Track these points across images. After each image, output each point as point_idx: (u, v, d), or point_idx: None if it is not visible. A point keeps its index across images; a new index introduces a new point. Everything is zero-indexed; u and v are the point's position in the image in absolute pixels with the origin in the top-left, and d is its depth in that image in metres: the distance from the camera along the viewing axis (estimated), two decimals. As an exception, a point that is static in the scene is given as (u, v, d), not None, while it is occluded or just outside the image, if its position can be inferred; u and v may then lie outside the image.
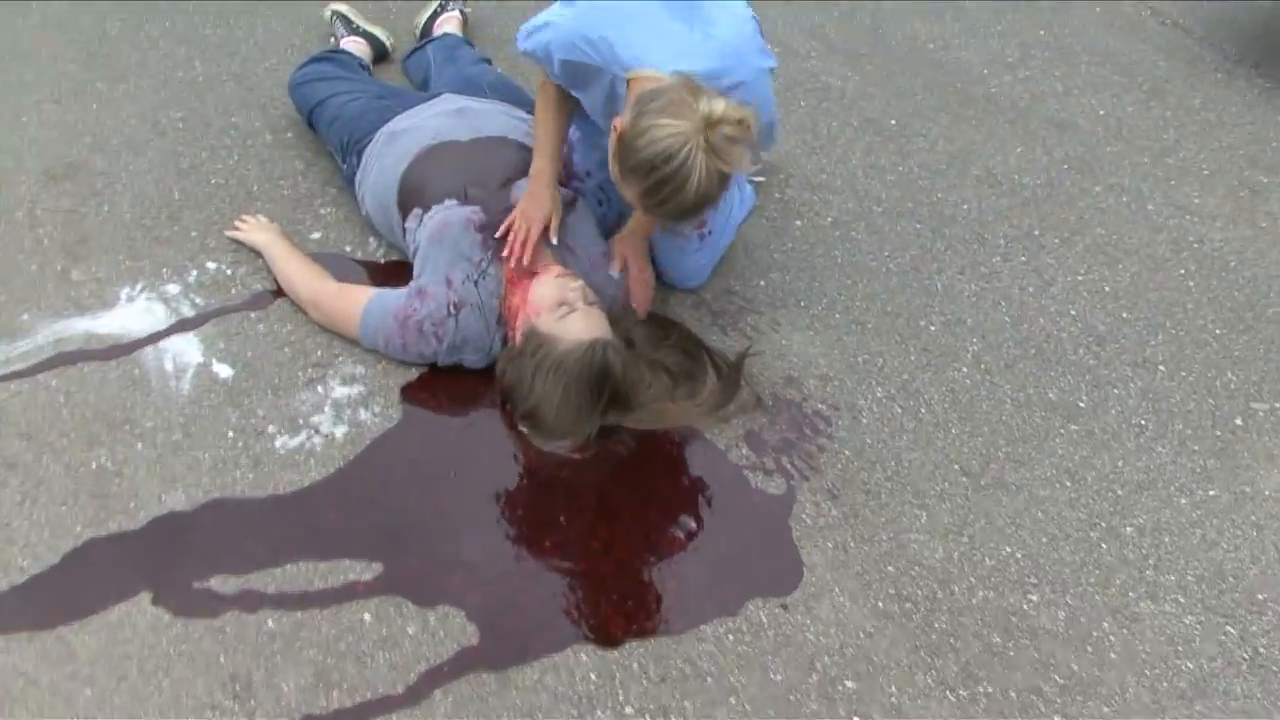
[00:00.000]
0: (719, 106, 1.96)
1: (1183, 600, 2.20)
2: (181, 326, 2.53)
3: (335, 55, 3.10)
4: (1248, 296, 2.91)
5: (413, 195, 2.56)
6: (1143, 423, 2.54)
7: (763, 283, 2.79)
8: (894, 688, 2.00)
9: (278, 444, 2.29)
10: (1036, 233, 3.06)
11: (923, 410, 2.51)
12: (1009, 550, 2.25)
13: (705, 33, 2.24)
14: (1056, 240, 3.04)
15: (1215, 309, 2.87)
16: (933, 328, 2.73)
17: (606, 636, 2.04)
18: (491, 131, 2.65)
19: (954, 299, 2.81)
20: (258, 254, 2.69)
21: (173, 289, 2.60)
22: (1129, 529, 2.30)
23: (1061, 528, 2.29)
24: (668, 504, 2.27)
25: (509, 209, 2.48)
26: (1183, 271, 2.98)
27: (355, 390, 2.41)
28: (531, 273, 2.44)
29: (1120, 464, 2.44)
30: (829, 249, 2.91)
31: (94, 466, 2.21)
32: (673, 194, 2.00)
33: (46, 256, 2.64)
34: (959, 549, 2.23)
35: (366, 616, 2.02)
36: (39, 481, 2.17)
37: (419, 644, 1.98)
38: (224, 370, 2.43)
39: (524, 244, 2.42)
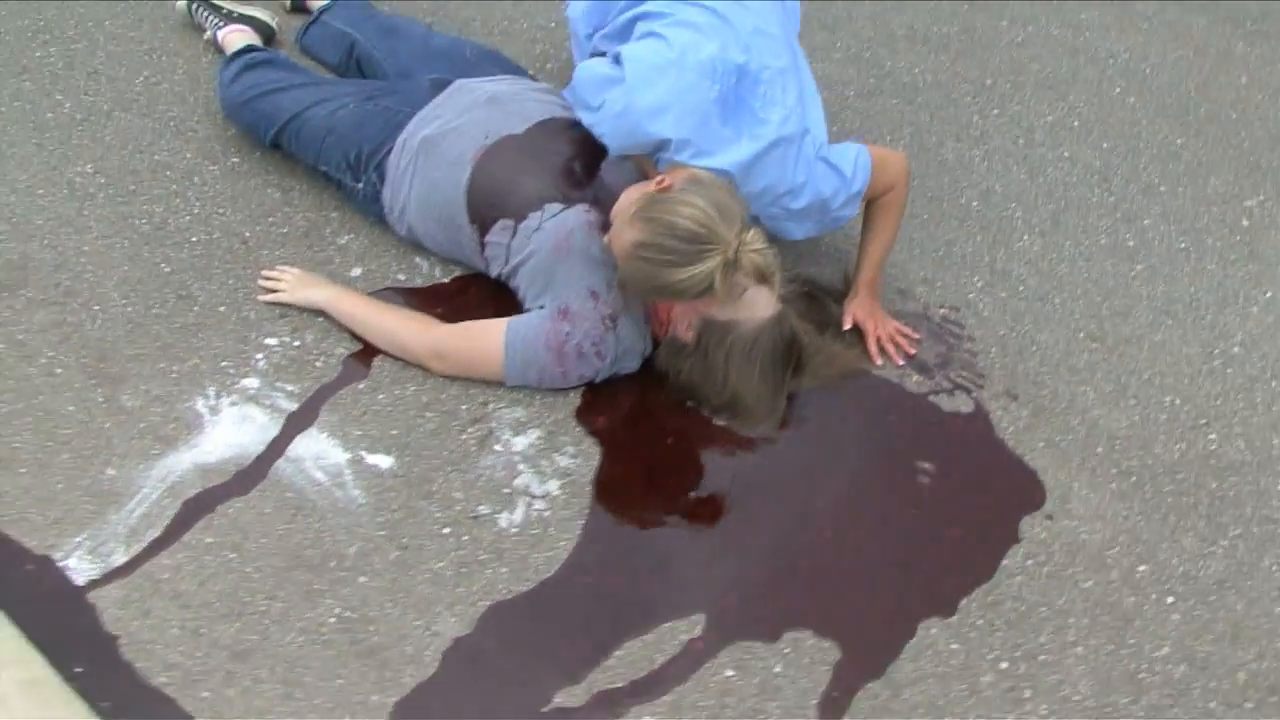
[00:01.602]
0: (750, 240, 2.06)
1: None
2: (296, 425, 2.20)
3: (269, 56, 2.66)
4: (1176, 99, 3.22)
5: (490, 205, 2.31)
6: (1183, 245, 2.81)
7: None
8: (1174, 560, 2.19)
9: (503, 524, 2.09)
10: (989, 82, 3.20)
11: (1021, 287, 2.65)
12: (1169, 399, 2.46)
13: (753, 134, 2.23)
14: (1008, 85, 3.20)
15: (1163, 119, 3.16)
16: (974, 203, 2.84)
17: (942, 605, 2.07)
18: (537, 115, 2.41)
19: (970, 168, 2.93)
20: (314, 312, 2.34)
21: (251, 384, 2.24)
22: (1236, 349, 2.58)
23: (1190, 364, 2.53)
24: (895, 454, 2.29)
25: (614, 196, 2.30)
26: (1118, 90, 3.24)
27: (534, 437, 2.22)
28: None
29: (1192, 289, 2.70)
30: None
31: (334, 622, 1.93)
32: (663, 267, 2.04)
33: (75, 390, 2.18)
34: (1136, 412, 2.42)
35: (729, 673, 1.94)
36: (290, 661, 1.87)
37: (794, 681, 1.94)
38: (383, 460, 2.15)
39: None
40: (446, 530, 2.06)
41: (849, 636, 2.00)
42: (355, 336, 2.33)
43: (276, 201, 2.57)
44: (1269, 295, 2.69)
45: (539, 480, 2.15)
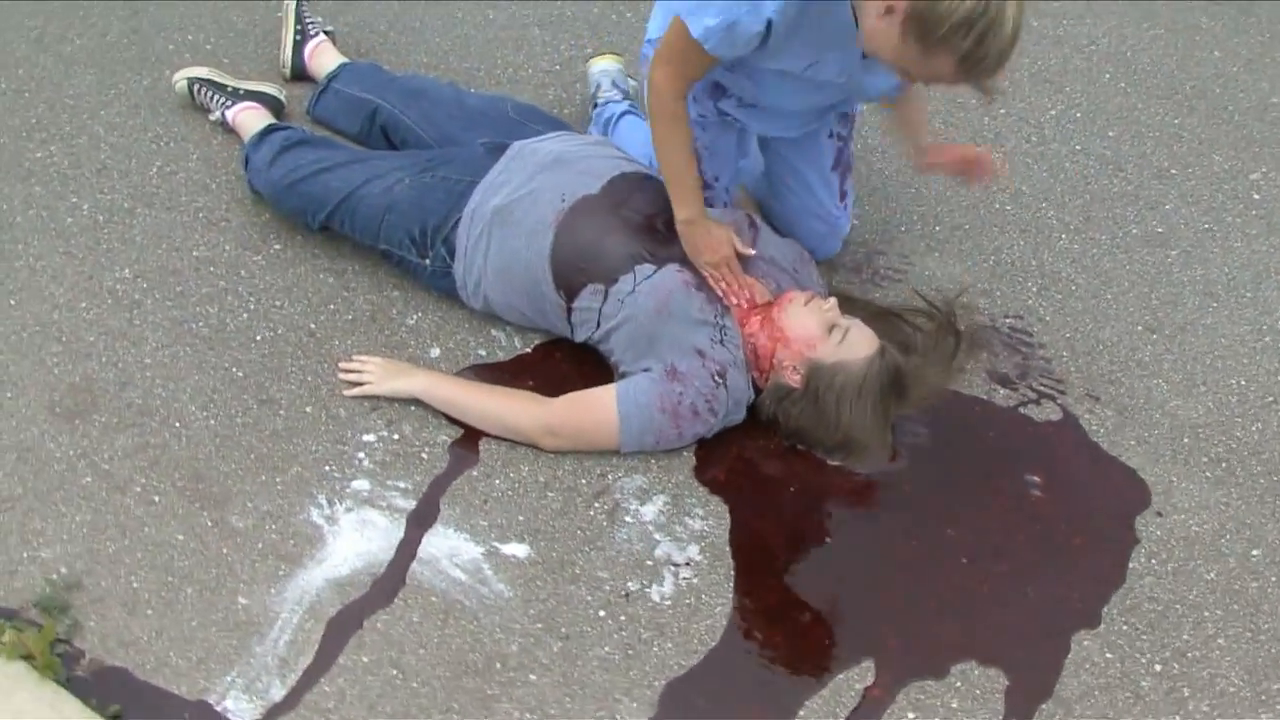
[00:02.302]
0: None
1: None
2: (419, 524, 2.14)
3: (303, 135, 2.58)
4: (1163, 79, 3.33)
5: (579, 270, 2.28)
6: (1208, 226, 2.91)
7: (856, 222, 2.80)
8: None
9: (655, 598, 2.08)
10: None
11: (1074, 287, 2.71)
12: (1235, 381, 2.56)
13: None
14: (1006, 82, 3.25)
15: (1156, 101, 3.26)
16: (1007, 206, 2.90)
17: (1086, 616, 2.12)
18: (608, 173, 2.39)
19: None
20: (404, 401, 2.29)
21: (362, 486, 2.17)
22: (1281, 323, 2.69)
23: (1244, 343, 2.63)
24: (1004, 471, 2.33)
25: None
26: (1108, 76, 3.34)
27: (660, 504, 2.21)
28: (754, 306, 2.31)
29: (1226, 269, 2.81)
30: (869, 165, 2.95)
31: (515, 724, 1.89)
32: (993, 42, 1.81)
33: (180, 517, 2.10)
34: (1209, 398, 2.51)
35: (910, 715, 1.97)
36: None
37: (972, 714, 1.97)
38: (518, 549, 2.12)
39: (738, 286, 2.28)
40: (602, 613, 2.03)
41: (1011, 661, 2.04)
42: (453, 421, 2.27)
43: (333, 287, 2.49)
44: (1297, 266, 2.81)
45: (678, 548, 2.14)
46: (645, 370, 2.24)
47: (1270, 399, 2.52)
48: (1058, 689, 2.02)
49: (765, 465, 2.28)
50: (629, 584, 2.08)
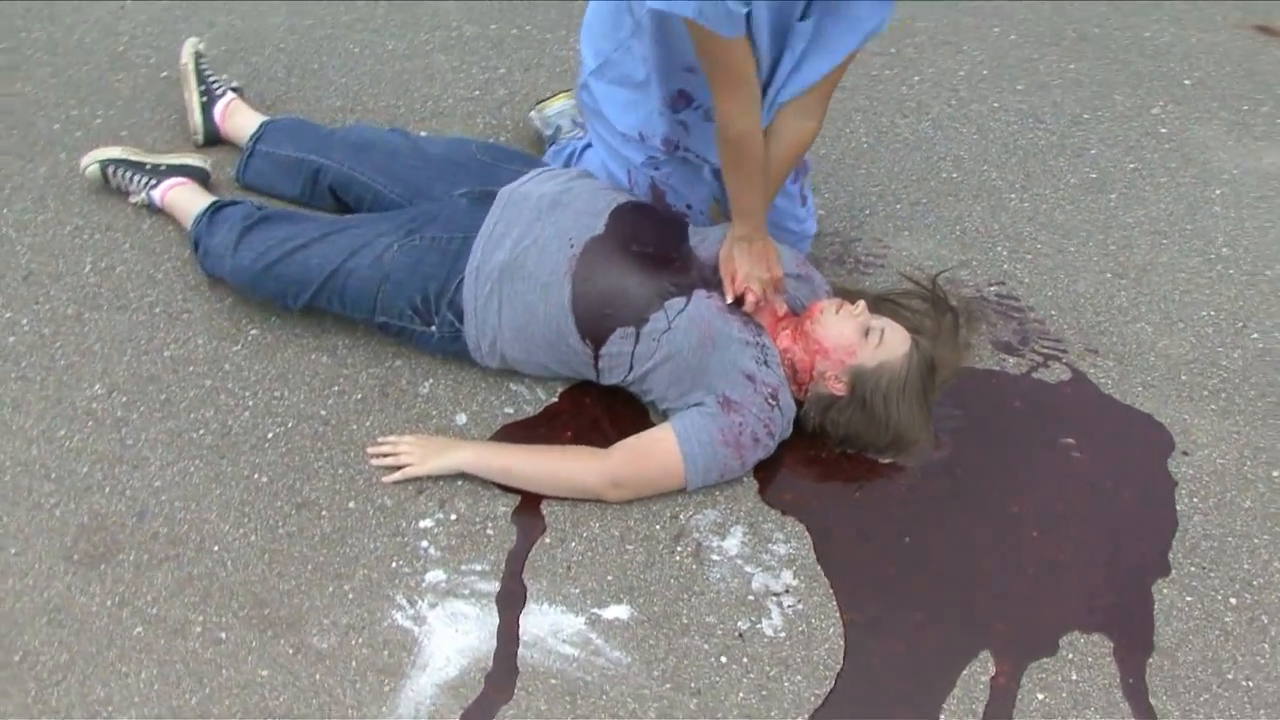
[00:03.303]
0: None
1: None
2: (510, 606, 2.04)
3: (264, 211, 2.38)
4: (1048, 26, 3.49)
5: (605, 316, 2.21)
6: (1133, 165, 3.07)
7: (823, 212, 2.82)
8: (1300, 455, 2.43)
9: (769, 632, 2.05)
10: (893, 50, 3.34)
11: (1039, 247, 2.81)
12: (1205, 313, 2.70)
13: None
14: (911, 49, 3.35)
15: (1047, 49, 3.41)
16: (953, 174, 2.97)
17: (1156, 565, 2.22)
18: (605, 207, 2.31)
19: (929, 140, 3.06)
20: (448, 477, 2.18)
21: (437, 578, 2.06)
22: (1225, 249, 2.86)
23: (1201, 274, 2.79)
24: (1041, 438, 2.40)
25: (714, 268, 2.26)
26: (997, 30, 3.47)
27: (740, 535, 2.18)
28: (777, 319, 2.30)
29: (1161, 206, 2.96)
30: (815, 153, 2.97)
31: (679, 793, 1.84)
32: None
33: (255, 651, 1.93)
34: (1189, 333, 2.65)
35: (1040, 696, 2.01)
36: None
37: (1093, 681, 2.03)
38: (619, 612, 2.05)
39: (765, 304, 2.26)
40: (724, 659, 1.99)
41: (1107, 623, 2.11)
42: (504, 488, 2.17)
43: (329, 366, 2.33)
44: (1219, 193, 2.99)
45: (772, 576, 2.11)
46: (696, 405, 2.18)
47: (1240, 324, 2.67)
48: (1156, 641, 2.09)
49: (824, 475, 2.28)
50: (739, 624, 2.03)
